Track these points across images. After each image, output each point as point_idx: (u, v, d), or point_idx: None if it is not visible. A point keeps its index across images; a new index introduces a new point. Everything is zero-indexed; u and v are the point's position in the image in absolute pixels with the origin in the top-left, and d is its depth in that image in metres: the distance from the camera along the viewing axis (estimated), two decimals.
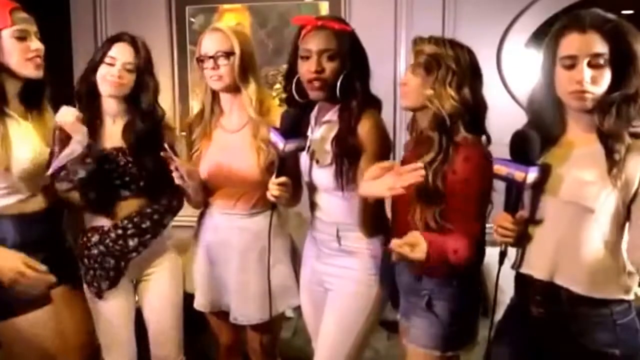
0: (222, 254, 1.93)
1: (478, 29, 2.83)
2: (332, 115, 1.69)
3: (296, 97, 1.71)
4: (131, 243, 1.83)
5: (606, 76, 1.32)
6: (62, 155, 1.69)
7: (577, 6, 2.64)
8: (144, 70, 1.83)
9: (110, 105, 1.85)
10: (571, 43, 1.35)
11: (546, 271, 1.41)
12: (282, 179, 1.65)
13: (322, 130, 1.72)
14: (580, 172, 1.35)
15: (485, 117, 1.60)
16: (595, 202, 1.33)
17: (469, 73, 1.55)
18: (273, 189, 1.66)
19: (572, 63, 1.34)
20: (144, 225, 1.85)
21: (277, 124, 1.72)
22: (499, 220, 1.41)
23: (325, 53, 1.62)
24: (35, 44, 1.74)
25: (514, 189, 1.41)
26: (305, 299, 1.91)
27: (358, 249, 1.72)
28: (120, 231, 1.83)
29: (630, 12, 3.24)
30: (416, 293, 1.62)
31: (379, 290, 1.73)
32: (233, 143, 1.88)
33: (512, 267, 1.51)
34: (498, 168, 1.42)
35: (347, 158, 1.62)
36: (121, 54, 1.80)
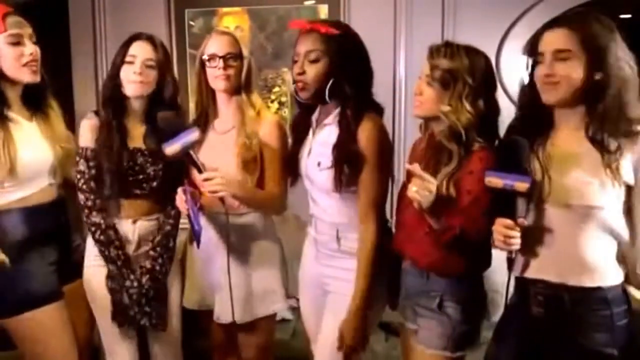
0: (209, 252, 1.93)
1: (477, 34, 2.83)
2: (332, 119, 1.71)
3: (298, 99, 1.75)
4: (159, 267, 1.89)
5: (573, 70, 1.35)
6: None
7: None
8: (164, 67, 1.86)
9: (135, 106, 1.88)
10: (541, 41, 1.41)
11: (562, 274, 1.41)
12: (204, 175, 1.67)
13: (322, 133, 1.73)
14: (581, 173, 1.36)
15: (497, 122, 1.61)
16: (601, 200, 1.35)
17: (484, 83, 1.56)
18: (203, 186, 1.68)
19: (541, 59, 1.40)
20: (170, 245, 1.91)
21: (273, 123, 1.81)
22: (502, 230, 1.40)
23: (308, 55, 1.64)
24: (30, 48, 1.73)
25: (511, 197, 1.41)
26: (304, 301, 1.92)
27: (356, 249, 1.71)
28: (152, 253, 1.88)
29: (628, 16, 3.25)
30: (426, 294, 1.63)
31: (377, 292, 1.72)
32: (220, 144, 1.89)
33: (514, 271, 1.51)
34: (492, 180, 1.41)
35: (347, 163, 1.64)
36: (140, 51, 1.83)
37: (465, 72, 1.53)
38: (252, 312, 1.90)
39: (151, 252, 1.89)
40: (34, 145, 1.77)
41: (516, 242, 1.40)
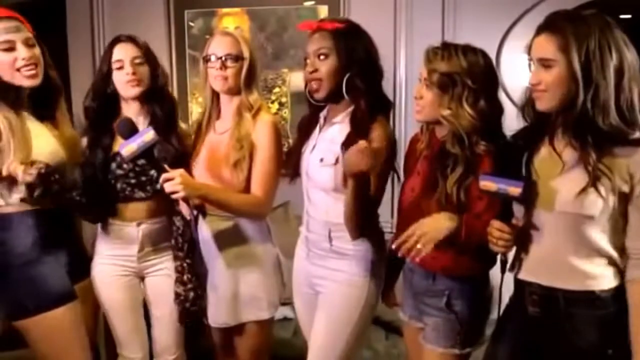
0: (204, 253, 1.93)
1: (477, 34, 2.79)
2: (342, 117, 1.71)
3: (312, 101, 1.74)
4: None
5: (557, 78, 1.31)
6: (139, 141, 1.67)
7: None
8: (151, 61, 1.88)
9: (132, 109, 1.89)
10: (531, 45, 1.38)
11: (552, 278, 1.41)
12: (164, 175, 1.65)
13: (331, 130, 1.73)
14: (569, 180, 1.35)
15: (501, 121, 1.59)
16: (593, 209, 1.33)
17: (484, 82, 1.54)
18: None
19: (532, 65, 1.38)
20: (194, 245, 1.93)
21: (267, 125, 1.82)
22: (495, 232, 1.42)
23: (318, 53, 1.65)
24: (23, 53, 1.72)
25: (505, 201, 1.42)
26: (298, 302, 1.92)
27: (349, 250, 1.72)
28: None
29: (628, 16, 3.25)
30: (433, 293, 1.63)
31: (369, 292, 1.73)
32: (218, 143, 1.89)
33: (511, 272, 1.51)
34: (487, 184, 1.41)
35: None
36: (124, 53, 1.85)
37: (463, 74, 1.51)
38: (237, 316, 1.89)
39: (186, 261, 1.91)
40: (48, 139, 1.78)
41: (508, 245, 1.42)
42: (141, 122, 1.88)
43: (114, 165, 1.86)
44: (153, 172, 1.83)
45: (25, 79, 1.73)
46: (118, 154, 1.82)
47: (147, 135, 1.65)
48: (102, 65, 1.88)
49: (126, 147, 1.65)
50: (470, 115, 1.51)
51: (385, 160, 1.64)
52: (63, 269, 1.83)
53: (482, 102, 1.53)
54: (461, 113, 1.51)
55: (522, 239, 1.45)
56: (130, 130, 1.67)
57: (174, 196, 1.67)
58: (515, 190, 1.38)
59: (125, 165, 1.85)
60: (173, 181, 1.64)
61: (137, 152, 1.65)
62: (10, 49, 1.71)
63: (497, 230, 1.42)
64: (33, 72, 1.74)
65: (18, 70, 1.72)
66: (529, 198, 1.40)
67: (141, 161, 1.82)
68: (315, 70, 1.66)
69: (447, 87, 1.52)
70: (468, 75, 1.51)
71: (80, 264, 1.92)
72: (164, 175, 1.65)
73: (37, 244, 1.77)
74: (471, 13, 2.94)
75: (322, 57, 1.65)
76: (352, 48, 1.66)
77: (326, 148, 1.70)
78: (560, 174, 1.37)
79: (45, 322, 1.76)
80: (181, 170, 1.68)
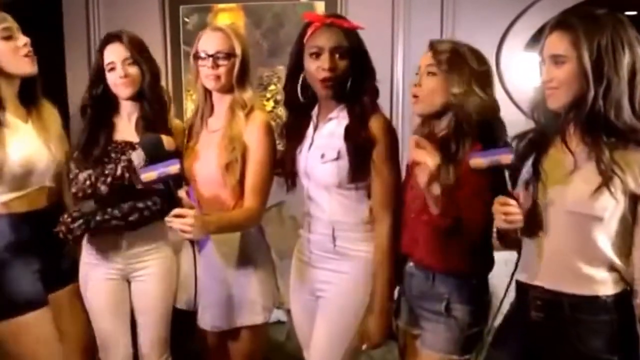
0: (198, 255, 1.88)
1: (477, 31, 2.83)
2: (339, 111, 1.69)
3: (300, 96, 1.71)
4: (113, 222, 1.84)
5: (569, 74, 1.31)
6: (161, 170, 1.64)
7: (576, 8, 2.63)
8: (142, 58, 1.86)
9: (126, 106, 1.91)
10: (544, 44, 1.38)
11: (557, 282, 1.39)
12: (176, 210, 1.60)
13: (328, 125, 1.71)
14: (585, 181, 1.33)
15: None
16: (604, 211, 1.31)
17: (487, 75, 1.57)
18: (168, 221, 1.61)
19: (542, 63, 1.38)
20: (131, 218, 1.85)
21: (258, 126, 1.79)
22: (500, 208, 1.37)
23: (337, 51, 1.62)
24: (23, 40, 1.76)
25: (499, 172, 1.41)
26: (297, 309, 1.88)
27: (352, 251, 1.70)
28: (107, 216, 1.82)
29: (634, 13, 3.21)
30: (432, 297, 1.62)
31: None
32: (209, 142, 1.86)
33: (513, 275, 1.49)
34: (476, 162, 1.40)
35: (358, 150, 1.61)
36: (114, 54, 1.84)
37: (470, 57, 1.54)
38: (232, 320, 1.87)
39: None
40: (25, 146, 1.77)
41: (517, 217, 1.37)
42: (133, 120, 1.88)
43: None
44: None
45: (29, 66, 1.76)
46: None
47: (172, 167, 1.62)
48: (96, 66, 1.89)
49: (147, 174, 1.62)
50: (480, 97, 1.51)
51: (394, 143, 1.65)
52: (34, 274, 1.80)
53: (489, 89, 1.55)
54: (472, 93, 1.52)
55: (527, 240, 1.43)
56: (157, 153, 1.65)
57: (180, 235, 1.63)
58: (506, 157, 1.37)
59: (113, 155, 1.85)
60: (184, 220, 1.59)
61: (156, 181, 1.62)
62: (10, 37, 1.73)
63: (501, 204, 1.37)
64: (33, 58, 1.77)
65: (24, 56, 1.75)
66: (536, 194, 1.39)
67: (130, 153, 1.82)
68: (334, 68, 1.62)
69: (454, 66, 1.52)
70: (475, 58, 1.55)
71: (62, 270, 1.91)
72: (176, 211, 1.60)
73: (8, 248, 1.75)
74: (470, 10, 2.95)
75: (341, 56, 1.62)
76: (361, 49, 1.66)
77: (325, 144, 1.68)
78: (570, 174, 1.35)
79: (11, 327, 1.74)
80: (195, 211, 1.63)
